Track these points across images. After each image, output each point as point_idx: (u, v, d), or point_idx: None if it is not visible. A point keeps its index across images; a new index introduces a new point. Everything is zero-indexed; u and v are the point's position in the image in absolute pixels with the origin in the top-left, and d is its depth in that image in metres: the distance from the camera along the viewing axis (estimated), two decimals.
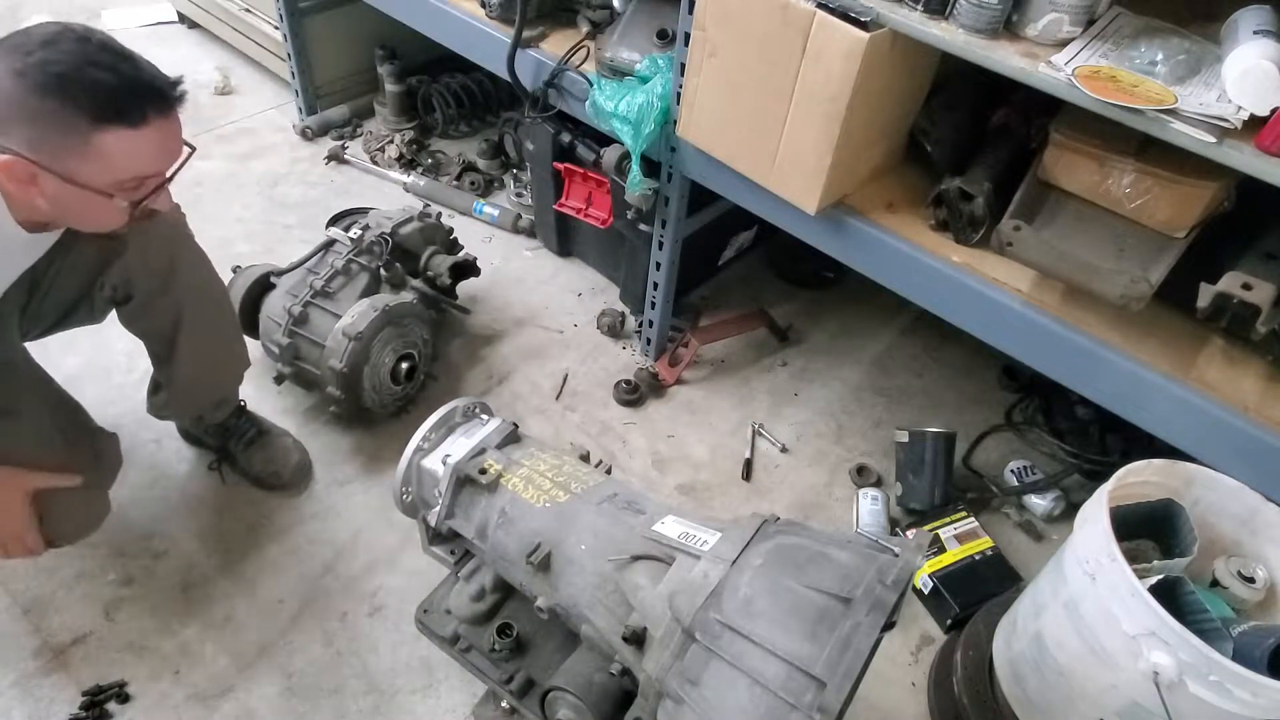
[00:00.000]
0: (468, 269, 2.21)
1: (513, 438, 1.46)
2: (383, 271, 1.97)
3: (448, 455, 1.39)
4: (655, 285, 2.12)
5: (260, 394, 1.94)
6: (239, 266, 2.00)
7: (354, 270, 1.95)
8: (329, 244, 2.01)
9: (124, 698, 1.55)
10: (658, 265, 2.08)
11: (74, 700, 1.54)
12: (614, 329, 2.32)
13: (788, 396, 2.22)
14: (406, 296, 1.95)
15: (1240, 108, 1.17)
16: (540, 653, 1.40)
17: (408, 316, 1.92)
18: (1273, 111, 1.15)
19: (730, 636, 1.06)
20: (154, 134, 1.17)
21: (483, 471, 1.36)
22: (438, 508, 1.39)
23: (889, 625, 1.06)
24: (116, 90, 1.14)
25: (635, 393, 2.15)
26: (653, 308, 2.17)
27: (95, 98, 1.12)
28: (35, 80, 1.09)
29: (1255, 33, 1.20)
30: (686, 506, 1.94)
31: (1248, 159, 1.17)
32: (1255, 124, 1.17)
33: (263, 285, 1.96)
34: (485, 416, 1.50)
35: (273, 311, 1.90)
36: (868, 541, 1.15)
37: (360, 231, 2.00)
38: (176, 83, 1.20)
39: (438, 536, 1.46)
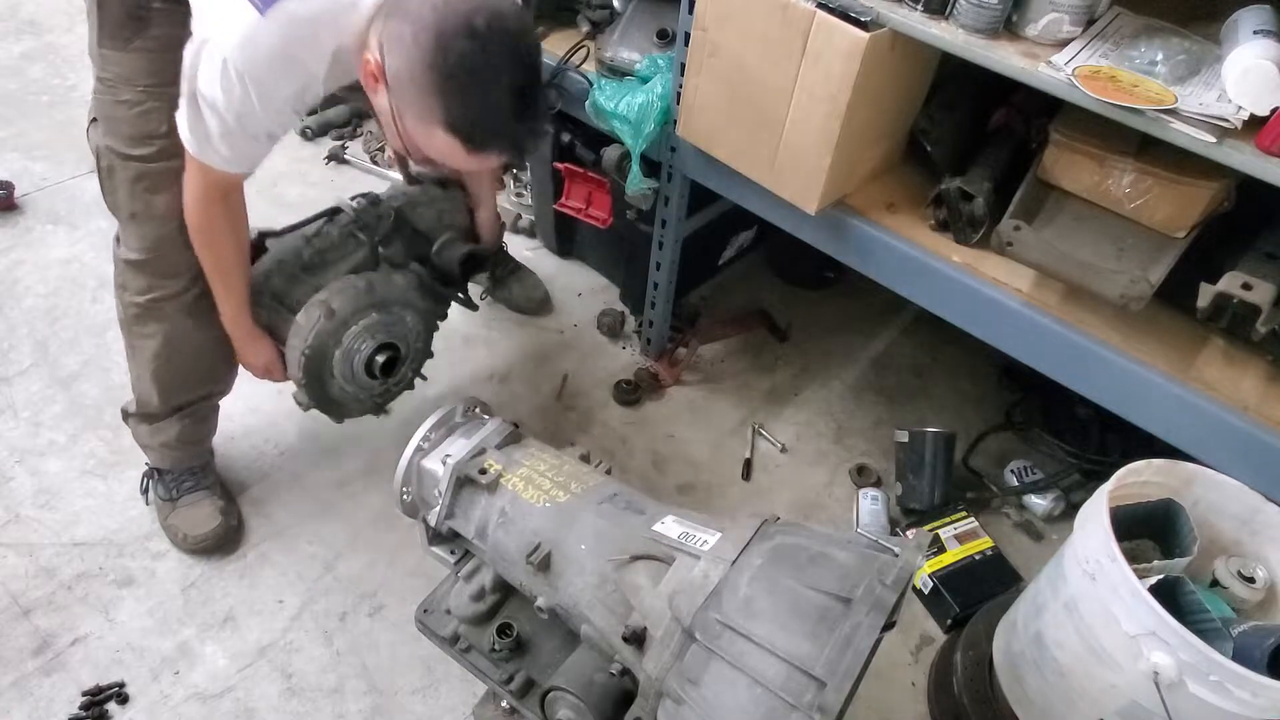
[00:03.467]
0: (479, 262, 1.95)
1: (513, 438, 1.45)
2: (380, 249, 1.73)
3: (448, 455, 1.39)
4: (655, 285, 2.12)
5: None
6: None
7: (352, 242, 1.71)
8: (334, 211, 1.75)
9: (124, 698, 1.55)
10: (658, 265, 2.08)
11: (74, 700, 1.54)
12: (614, 329, 2.32)
13: (788, 396, 2.22)
14: (401, 280, 1.71)
15: (1240, 108, 1.17)
16: (540, 653, 1.40)
17: (398, 303, 1.67)
18: (1273, 111, 1.15)
19: (730, 636, 1.06)
20: (482, 161, 1.24)
21: (483, 472, 1.36)
22: (438, 508, 1.39)
23: (889, 625, 1.06)
24: (492, 130, 1.21)
25: (635, 393, 2.15)
26: (653, 308, 2.17)
27: (467, 116, 1.17)
28: (440, 61, 1.14)
29: (1255, 33, 1.20)
30: (686, 507, 1.94)
31: (1248, 159, 1.17)
32: (1255, 124, 1.17)
33: (253, 249, 1.65)
34: (485, 416, 1.49)
35: (256, 277, 1.63)
36: (868, 541, 1.15)
37: (368, 204, 1.75)
38: (540, 142, 1.31)
39: (438, 536, 1.45)
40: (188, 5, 1.27)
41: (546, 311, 2.36)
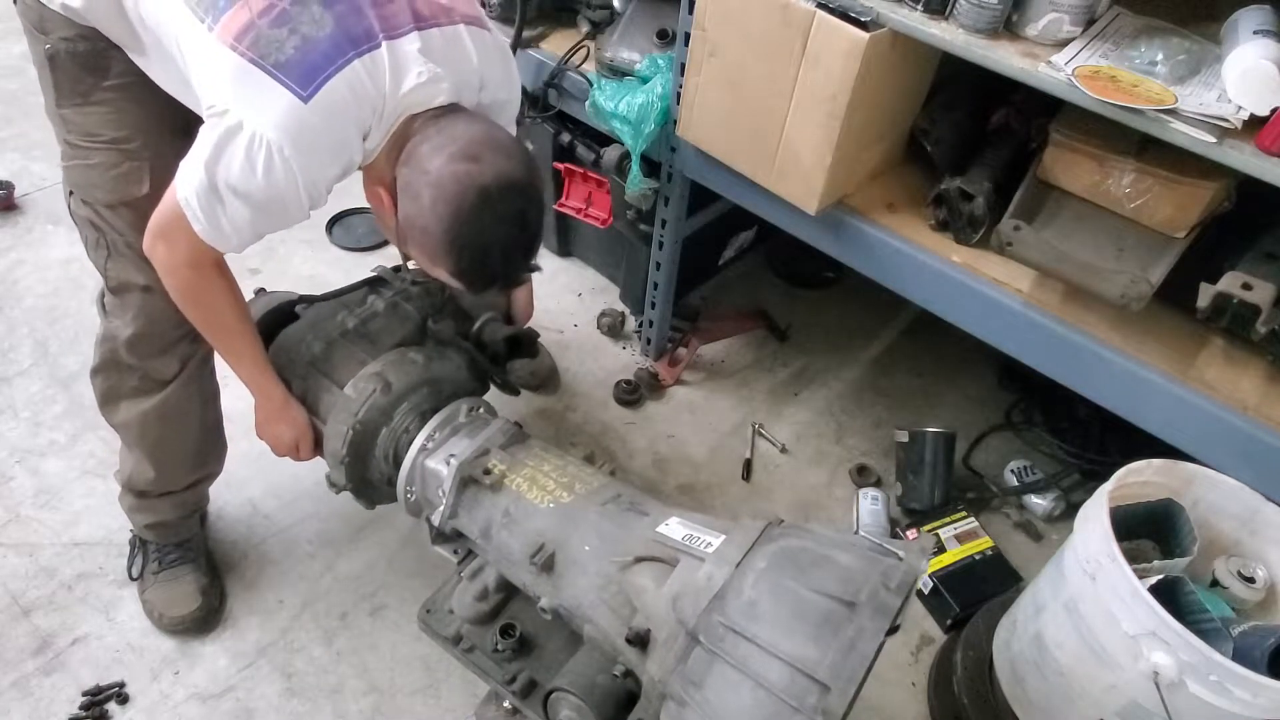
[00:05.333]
0: (524, 345, 1.77)
1: (517, 438, 1.45)
2: (431, 323, 1.59)
3: (451, 455, 1.38)
4: (655, 285, 2.12)
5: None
6: (263, 289, 1.70)
7: (399, 313, 1.59)
8: (376, 280, 1.67)
9: (124, 698, 1.55)
10: (658, 265, 2.08)
11: (74, 700, 1.54)
12: (614, 329, 2.32)
13: (788, 396, 2.22)
14: (455, 357, 1.58)
15: (1240, 108, 1.17)
16: (543, 653, 1.39)
17: (450, 381, 1.53)
18: (1273, 111, 1.15)
19: (734, 639, 1.05)
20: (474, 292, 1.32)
21: (487, 472, 1.35)
22: (442, 507, 1.38)
23: (893, 629, 1.05)
24: (489, 279, 1.27)
25: (635, 393, 2.15)
26: (653, 308, 2.17)
27: (470, 271, 1.23)
28: (454, 231, 1.17)
29: (1255, 33, 1.20)
30: (686, 507, 1.94)
31: (1248, 159, 1.17)
32: (1255, 124, 1.17)
33: (283, 314, 1.60)
34: (489, 416, 1.49)
35: (288, 344, 1.55)
36: (871, 545, 1.14)
37: (412, 275, 1.65)
38: (531, 271, 1.32)
39: (441, 536, 1.45)
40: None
41: (554, 387, 2.18)
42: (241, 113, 1.11)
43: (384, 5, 1.17)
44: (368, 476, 1.50)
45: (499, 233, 1.20)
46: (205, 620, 1.65)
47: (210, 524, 1.80)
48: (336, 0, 1.15)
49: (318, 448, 1.53)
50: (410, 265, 1.61)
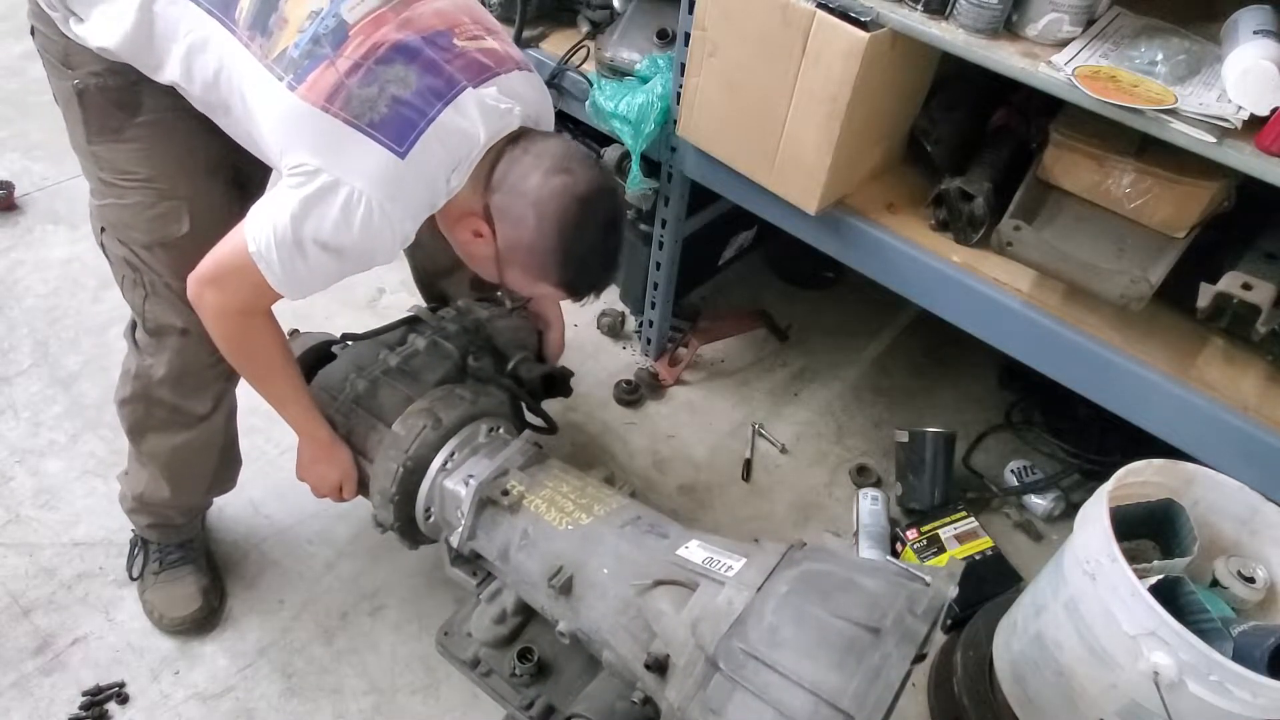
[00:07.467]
0: (559, 384, 1.78)
1: (536, 458, 1.44)
2: (471, 360, 1.58)
3: (470, 476, 1.37)
4: (655, 285, 2.12)
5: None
6: (296, 330, 1.69)
7: (440, 351, 1.58)
8: (413, 320, 1.66)
9: (124, 698, 1.55)
10: (658, 265, 2.08)
11: (74, 700, 1.54)
12: (614, 329, 2.32)
13: (788, 396, 2.22)
14: (498, 393, 1.58)
15: (1240, 108, 1.17)
16: (561, 678, 1.38)
17: (495, 416, 1.54)
18: (1273, 111, 1.15)
19: (755, 666, 1.03)
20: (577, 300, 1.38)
21: (505, 493, 1.34)
22: (460, 529, 1.37)
23: (920, 657, 1.03)
24: (591, 284, 1.35)
25: (635, 393, 2.15)
26: (653, 308, 2.17)
27: (577, 281, 1.31)
28: (566, 247, 1.24)
29: (1255, 33, 1.20)
30: (686, 508, 1.94)
31: (1248, 159, 1.17)
32: (1255, 124, 1.17)
33: (320, 354, 1.63)
34: (508, 437, 1.48)
35: (329, 383, 1.54)
36: (897, 569, 1.13)
37: (456, 314, 1.67)
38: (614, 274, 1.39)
39: (460, 558, 1.44)
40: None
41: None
42: (336, 172, 1.13)
43: (457, 59, 1.21)
44: (411, 515, 1.47)
45: (598, 238, 1.27)
46: (205, 621, 1.65)
47: (211, 524, 1.80)
48: (415, 55, 1.18)
49: (361, 488, 1.52)
50: (474, 303, 1.69)
